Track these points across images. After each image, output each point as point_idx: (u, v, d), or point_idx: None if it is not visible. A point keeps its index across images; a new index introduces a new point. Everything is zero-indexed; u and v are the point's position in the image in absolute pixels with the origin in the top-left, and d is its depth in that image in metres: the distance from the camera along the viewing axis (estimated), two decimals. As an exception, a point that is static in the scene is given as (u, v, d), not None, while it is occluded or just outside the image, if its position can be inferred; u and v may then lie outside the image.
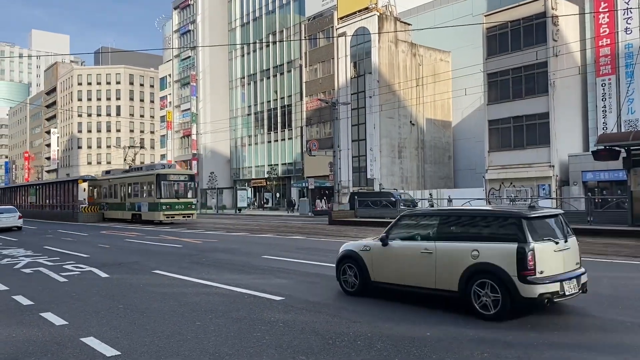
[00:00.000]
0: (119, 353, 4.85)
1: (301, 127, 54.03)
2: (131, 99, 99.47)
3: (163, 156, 79.79)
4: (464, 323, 5.66)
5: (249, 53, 63.17)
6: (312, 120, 51.76)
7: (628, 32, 32.29)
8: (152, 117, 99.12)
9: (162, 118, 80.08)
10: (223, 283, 8.58)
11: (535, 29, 34.04)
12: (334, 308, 6.52)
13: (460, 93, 40.37)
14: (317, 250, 13.99)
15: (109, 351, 4.91)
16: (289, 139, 56.78)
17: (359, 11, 46.74)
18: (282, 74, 57.83)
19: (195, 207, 32.50)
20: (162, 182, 29.74)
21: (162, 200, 29.33)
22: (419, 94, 47.14)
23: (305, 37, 52.18)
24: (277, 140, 58.56)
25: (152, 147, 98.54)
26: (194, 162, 66.98)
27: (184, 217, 30.25)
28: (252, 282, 8.61)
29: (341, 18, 48.42)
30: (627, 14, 32.32)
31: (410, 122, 46.63)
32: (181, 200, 30.22)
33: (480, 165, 40.09)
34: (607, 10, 33.13)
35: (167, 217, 29.43)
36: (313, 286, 8.20)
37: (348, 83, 47.20)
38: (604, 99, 33.61)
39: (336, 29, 48.47)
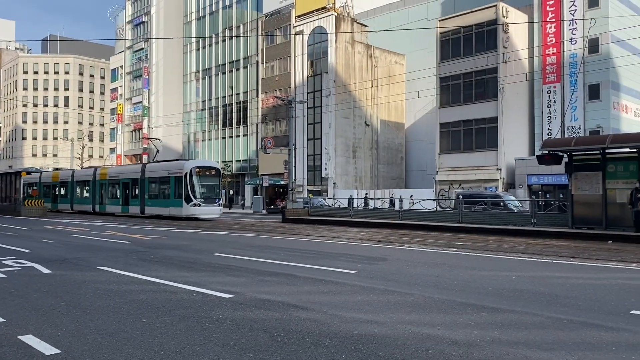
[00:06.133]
0: (59, 351, 4.69)
1: (257, 124, 53.70)
2: (80, 89, 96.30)
3: (112, 150, 77.59)
4: (409, 321, 5.78)
5: (204, 47, 62.26)
6: (267, 118, 51.54)
7: (573, 43, 33.73)
8: (102, 109, 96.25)
9: (113, 110, 77.95)
10: (171, 280, 8.44)
11: (487, 36, 35.12)
12: (283, 306, 6.52)
13: (414, 95, 41.19)
14: (269, 248, 13.95)
15: (49, 349, 4.74)
16: (243, 135, 56.34)
17: (317, 10, 46.90)
18: (238, 69, 57.30)
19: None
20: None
21: None
22: (373, 95, 47.74)
23: (262, 34, 51.88)
24: (231, 137, 57.99)
25: (102, 140, 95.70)
26: (145, 157, 65.51)
27: None
28: (202, 280, 8.50)
29: (299, 16, 48.43)
30: (573, 25, 33.77)
31: (365, 122, 47.15)
32: None
33: (431, 167, 41.02)
34: (554, 20, 34.52)
35: None
36: (264, 284, 8.18)
37: (305, 81, 47.26)
38: (549, 106, 35.00)
39: (294, 27, 48.45)
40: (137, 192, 31.95)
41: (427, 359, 4.47)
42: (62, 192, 39.66)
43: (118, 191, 33.64)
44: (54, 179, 40.51)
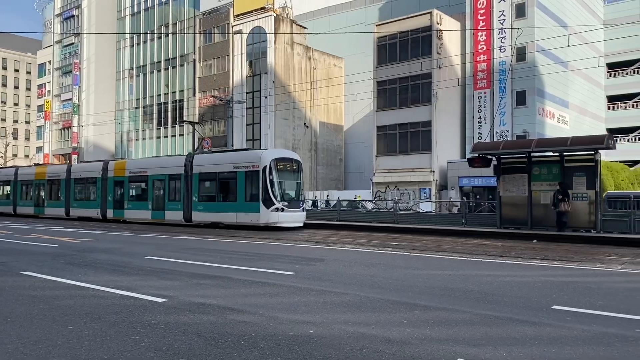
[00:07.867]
0: (-24, 363, 4.41)
1: (193, 124, 52.63)
2: (4, 84, 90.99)
3: (39, 149, 73.77)
4: (345, 321, 5.84)
5: (139, 44, 60.36)
6: (205, 117, 50.64)
7: (502, 51, 35.31)
8: (28, 105, 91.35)
9: (40, 107, 74.11)
10: (101, 285, 8.12)
11: (422, 42, 36.15)
12: (219, 309, 6.43)
13: (352, 98, 41.75)
14: (204, 250, 13.71)
15: (-36, 361, 4.45)
16: (180, 135, 55.08)
17: (256, 10, 46.62)
18: (174, 67, 55.97)
19: None
20: None
21: None
22: (313, 96, 47.98)
23: (199, 32, 50.97)
24: (167, 136, 56.55)
25: (27, 139, 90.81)
26: (74, 156, 62.74)
27: None
28: (133, 284, 8.24)
29: (237, 15, 47.97)
30: (502, 34, 35.35)
31: (304, 124, 47.31)
32: None
33: (369, 169, 41.74)
34: (484, 28, 36.01)
35: None
36: (199, 287, 8.03)
37: (243, 81, 46.83)
38: (479, 111, 36.45)
39: (232, 26, 47.91)
40: (179, 193, 24.71)
41: (361, 358, 4.54)
42: (52, 193, 32.13)
43: (146, 191, 26.31)
44: (39, 177, 32.93)
